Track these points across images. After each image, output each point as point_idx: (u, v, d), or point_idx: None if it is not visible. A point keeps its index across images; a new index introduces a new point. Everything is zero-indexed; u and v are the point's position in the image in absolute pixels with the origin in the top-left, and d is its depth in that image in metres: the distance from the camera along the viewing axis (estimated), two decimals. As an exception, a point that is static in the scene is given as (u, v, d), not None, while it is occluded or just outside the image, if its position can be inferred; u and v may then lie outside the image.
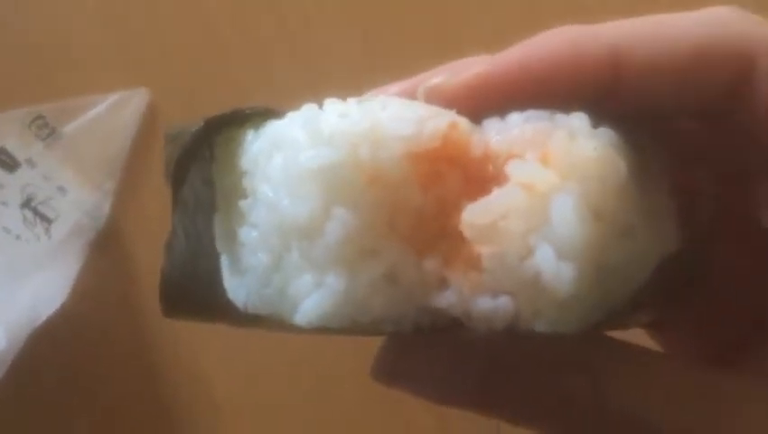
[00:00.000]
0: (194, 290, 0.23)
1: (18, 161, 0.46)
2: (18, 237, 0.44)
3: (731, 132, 0.24)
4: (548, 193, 0.19)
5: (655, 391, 0.20)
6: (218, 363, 0.45)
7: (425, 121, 0.21)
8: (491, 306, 0.20)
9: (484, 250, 0.20)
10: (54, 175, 0.46)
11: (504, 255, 0.19)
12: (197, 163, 0.24)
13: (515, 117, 0.22)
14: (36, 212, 0.45)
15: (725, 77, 0.22)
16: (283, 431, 0.45)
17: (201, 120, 0.23)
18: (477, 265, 0.20)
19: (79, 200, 0.46)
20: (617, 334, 0.22)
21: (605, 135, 0.21)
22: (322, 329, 0.21)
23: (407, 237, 0.21)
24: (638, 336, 0.24)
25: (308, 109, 0.22)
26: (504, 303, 0.19)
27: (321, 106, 0.22)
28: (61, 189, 0.46)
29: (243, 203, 0.23)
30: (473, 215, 0.20)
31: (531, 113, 0.22)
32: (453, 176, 0.21)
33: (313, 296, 0.20)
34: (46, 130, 0.48)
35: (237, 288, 0.23)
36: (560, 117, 0.21)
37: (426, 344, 0.22)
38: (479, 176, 0.21)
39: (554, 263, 0.19)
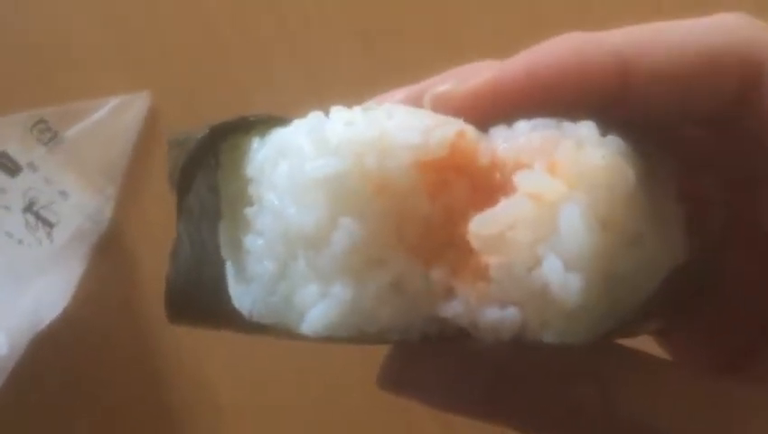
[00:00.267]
0: (199, 297, 0.23)
1: (20, 165, 0.46)
2: (20, 241, 0.44)
3: (738, 138, 0.24)
4: (556, 202, 0.19)
5: (664, 400, 0.20)
6: (221, 369, 0.45)
7: (432, 130, 0.21)
8: (498, 316, 0.19)
9: (492, 261, 0.20)
10: (56, 179, 0.46)
11: (511, 265, 0.19)
12: (202, 170, 0.23)
13: (522, 126, 0.22)
14: (38, 217, 0.45)
15: (732, 84, 0.22)
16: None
17: (207, 127, 0.23)
18: (484, 275, 0.20)
19: (80, 204, 0.46)
20: (625, 342, 0.22)
21: (613, 143, 0.21)
22: (328, 339, 0.21)
23: (414, 246, 0.20)
24: (646, 344, 0.24)
25: (314, 117, 0.22)
26: (512, 313, 0.19)
27: (326, 113, 0.22)
28: (63, 193, 0.46)
29: (249, 211, 0.22)
30: (481, 225, 0.20)
31: (538, 121, 0.21)
32: (460, 185, 0.21)
33: (319, 305, 0.20)
34: (48, 134, 0.48)
35: (242, 296, 0.23)
36: (568, 126, 0.21)
37: (432, 353, 0.22)
38: (486, 185, 0.21)
39: (561, 274, 0.19)
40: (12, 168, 0.45)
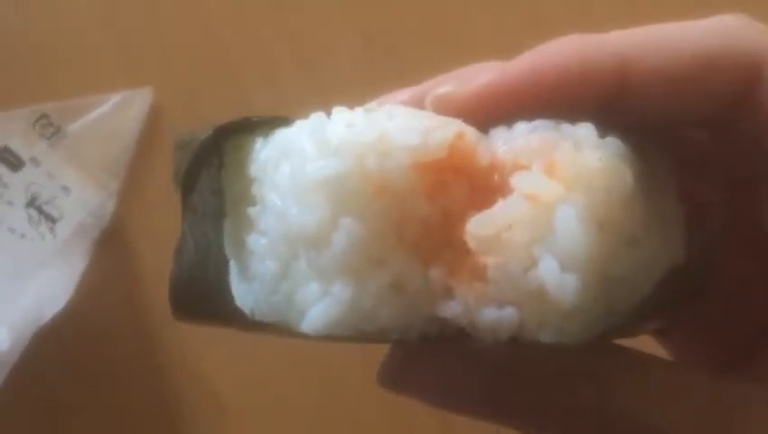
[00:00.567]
0: (202, 296, 0.24)
1: (22, 160, 0.46)
2: (23, 236, 0.44)
3: (737, 139, 0.24)
4: (553, 203, 0.20)
5: (661, 399, 0.21)
6: (223, 365, 0.45)
7: (431, 131, 0.21)
8: (496, 316, 0.20)
9: (489, 261, 0.20)
10: (58, 174, 0.46)
11: (508, 266, 0.20)
12: (206, 170, 0.24)
13: (521, 127, 0.22)
14: (41, 211, 0.45)
15: (731, 85, 0.22)
16: (285, 431, 0.45)
17: (211, 128, 0.23)
18: (482, 275, 0.20)
19: (83, 199, 0.46)
20: (625, 342, 0.23)
21: (612, 145, 0.21)
22: (328, 337, 0.21)
23: (414, 247, 0.21)
24: (646, 343, 0.24)
25: (316, 118, 0.22)
26: (509, 314, 0.20)
27: (328, 114, 0.22)
28: (66, 188, 0.46)
29: (252, 211, 0.23)
30: (478, 226, 0.20)
31: (538, 123, 0.22)
32: (458, 186, 0.21)
33: (319, 304, 0.21)
34: (50, 129, 0.48)
35: (245, 295, 0.23)
36: (566, 128, 0.21)
37: (432, 353, 0.22)
38: (484, 186, 0.21)
39: (557, 274, 0.19)
40: (14, 163, 0.45)
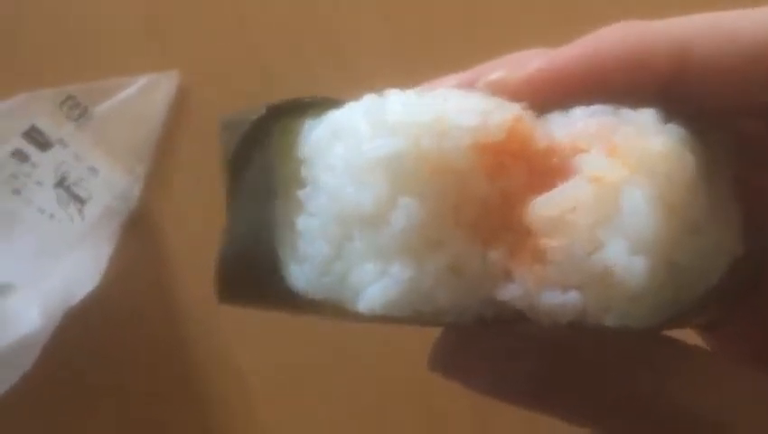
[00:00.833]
0: (251, 277, 0.23)
1: (50, 140, 0.46)
2: (52, 216, 0.44)
3: None
4: (618, 184, 0.19)
5: (721, 391, 0.20)
6: (250, 346, 0.45)
7: (490, 113, 0.21)
8: (558, 300, 0.20)
9: (552, 243, 0.20)
10: (86, 156, 0.46)
11: (572, 248, 0.19)
12: (256, 151, 0.24)
13: (579, 112, 0.22)
14: (69, 192, 0.45)
15: None
16: (313, 416, 0.45)
17: (263, 107, 0.23)
18: (542, 258, 0.20)
19: (110, 182, 0.46)
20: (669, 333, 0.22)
21: (674, 131, 0.21)
22: (382, 318, 0.21)
23: (472, 228, 0.21)
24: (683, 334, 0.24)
25: (369, 99, 0.22)
26: (572, 297, 0.19)
27: (380, 95, 0.22)
28: (93, 170, 0.46)
29: (301, 193, 0.23)
30: (542, 207, 0.20)
31: (596, 107, 0.21)
32: (517, 168, 0.21)
33: (376, 284, 0.20)
34: (77, 111, 0.48)
35: (295, 276, 0.23)
36: (626, 113, 0.21)
37: (484, 338, 0.22)
38: (543, 169, 0.21)
39: (625, 256, 0.19)
40: (43, 143, 0.45)
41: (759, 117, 0.24)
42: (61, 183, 0.45)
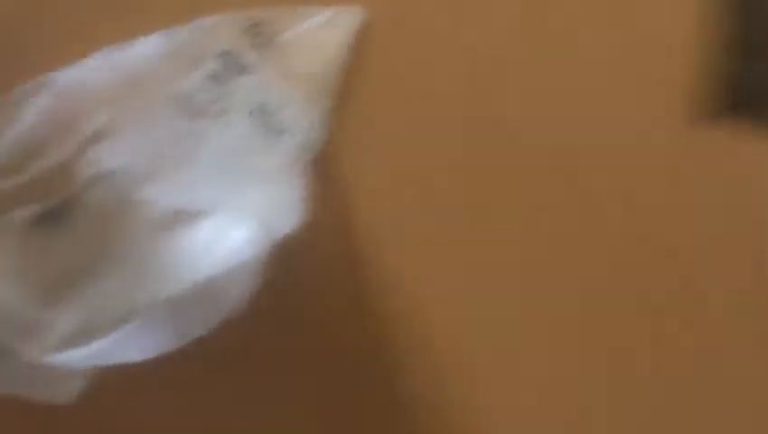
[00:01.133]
0: None
1: (244, 65, 0.43)
2: (247, 145, 0.41)
3: None
4: None
5: None
6: (442, 298, 0.42)
7: None
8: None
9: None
10: (275, 86, 0.43)
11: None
12: None
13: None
14: (264, 121, 0.42)
15: None
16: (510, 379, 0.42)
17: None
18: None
19: (300, 114, 0.43)
20: None
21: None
22: None
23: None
24: None
25: None
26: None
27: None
28: (284, 100, 0.43)
29: None
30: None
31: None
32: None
33: None
34: (262, 38, 0.45)
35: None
36: None
37: None
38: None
39: None
40: (236, 68, 0.42)
41: None
42: (259, 110, 0.42)
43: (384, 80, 0.46)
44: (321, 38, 0.46)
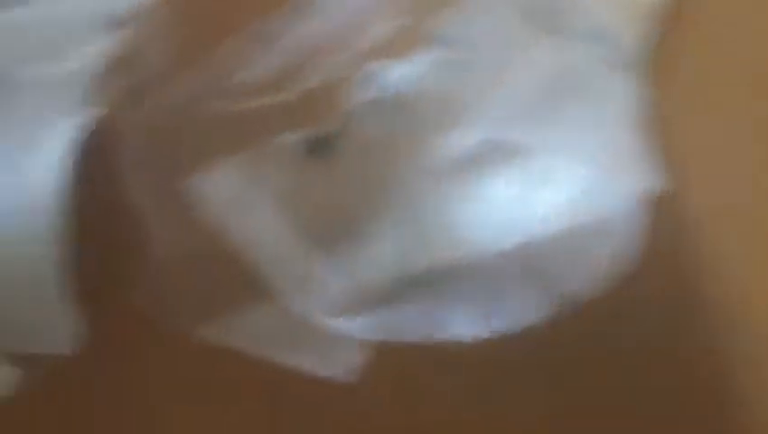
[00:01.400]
0: None
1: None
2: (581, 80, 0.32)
3: None
4: None
5: None
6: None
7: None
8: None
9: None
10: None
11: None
12: None
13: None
14: (599, 54, 0.33)
15: None
16: None
17: None
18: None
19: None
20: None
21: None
22: None
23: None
24: None
25: None
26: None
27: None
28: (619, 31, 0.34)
29: None
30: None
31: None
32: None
33: None
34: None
35: None
36: None
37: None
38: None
39: None
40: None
41: None
42: (594, 36, 0.33)
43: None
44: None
